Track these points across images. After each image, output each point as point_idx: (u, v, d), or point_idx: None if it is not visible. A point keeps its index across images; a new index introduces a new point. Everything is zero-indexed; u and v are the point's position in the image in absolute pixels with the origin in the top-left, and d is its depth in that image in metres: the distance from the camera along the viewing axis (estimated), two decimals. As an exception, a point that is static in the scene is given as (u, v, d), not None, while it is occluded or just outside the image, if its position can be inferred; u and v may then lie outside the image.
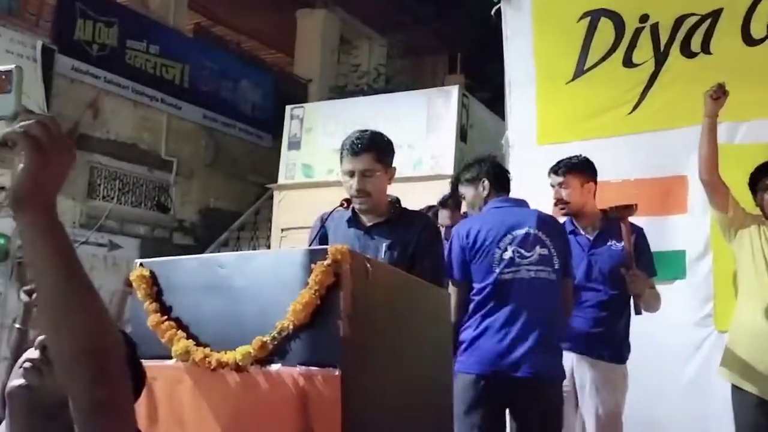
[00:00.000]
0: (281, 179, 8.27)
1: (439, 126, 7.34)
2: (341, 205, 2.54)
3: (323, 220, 2.65)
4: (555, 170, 3.23)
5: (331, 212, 2.62)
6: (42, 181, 0.90)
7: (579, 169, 3.21)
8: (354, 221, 2.60)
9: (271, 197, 8.75)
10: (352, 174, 2.49)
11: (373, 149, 2.48)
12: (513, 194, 4.08)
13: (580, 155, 3.32)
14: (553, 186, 3.25)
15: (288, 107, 8.38)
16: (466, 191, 3.04)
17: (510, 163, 4.54)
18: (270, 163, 9.57)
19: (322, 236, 2.63)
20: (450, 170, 7.08)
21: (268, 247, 8.72)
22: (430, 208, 3.97)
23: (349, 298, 1.68)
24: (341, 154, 2.54)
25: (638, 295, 2.98)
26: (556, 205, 3.24)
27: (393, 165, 2.59)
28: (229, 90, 10.31)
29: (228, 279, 1.84)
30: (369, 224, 2.58)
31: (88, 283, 0.91)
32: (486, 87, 9.49)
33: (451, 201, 3.85)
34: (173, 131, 9.38)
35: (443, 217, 3.83)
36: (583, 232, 3.25)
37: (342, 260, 1.68)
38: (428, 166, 7.23)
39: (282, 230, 8.23)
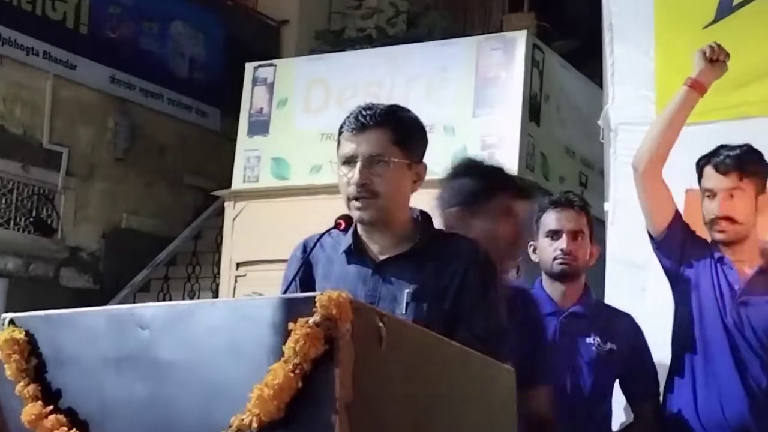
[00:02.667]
0: (237, 182, 8.29)
1: (495, 96, 7.35)
2: (337, 225, 2.55)
3: (307, 251, 2.65)
4: (722, 168, 3.28)
5: (321, 237, 2.63)
6: None
7: (759, 169, 3.32)
8: (357, 252, 2.60)
9: (221, 212, 8.77)
10: (352, 161, 2.51)
11: (390, 124, 2.51)
12: (616, 205, 4.14)
13: (744, 146, 3.34)
14: (709, 191, 3.29)
15: (249, 66, 8.41)
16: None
17: (612, 155, 4.55)
18: (219, 157, 9.59)
19: (306, 276, 2.63)
20: (513, 168, 7.05)
21: (216, 293, 8.72)
22: None
23: (350, 379, 1.68)
24: (340, 133, 2.56)
25: None
26: (713, 224, 3.28)
27: (422, 160, 2.61)
28: (152, 38, 10.39)
29: (153, 346, 1.84)
30: (381, 258, 2.59)
31: None
32: (571, 33, 9.50)
33: None
34: (63, 104, 9.45)
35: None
36: (735, 266, 3.28)
37: (339, 316, 1.68)
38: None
39: (238, 265, 8.24)
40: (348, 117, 2.55)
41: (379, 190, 2.50)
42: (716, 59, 3.33)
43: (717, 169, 3.29)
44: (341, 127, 2.56)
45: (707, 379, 3.25)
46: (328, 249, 2.65)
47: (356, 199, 2.51)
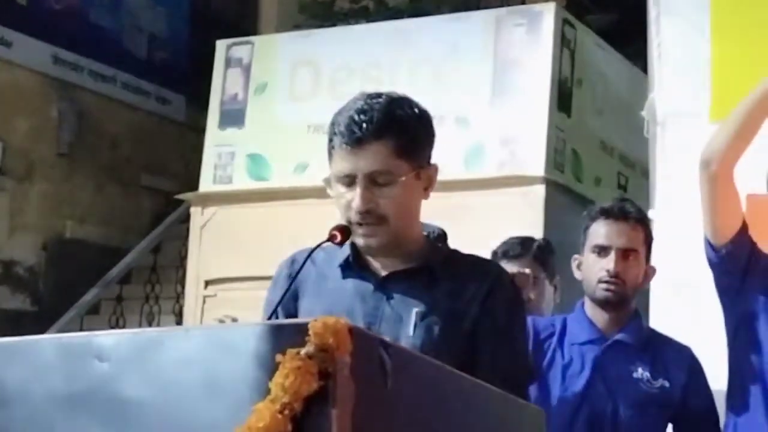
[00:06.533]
0: (206, 184, 8.30)
1: (517, 82, 7.36)
2: (331, 238, 2.56)
3: (293, 267, 2.68)
4: None
5: (312, 251, 2.65)
6: None
7: None
8: (356, 266, 2.63)
9: (187, 219, 8.77)
10: (350, 180, 2.52)
11: (392, 133, 2.52)
12: (664, 213, 4.15)
13: None
14: None
15: (221, 44, 8.43)
16: None
17: (658, 152, 4.56)
18: (184, 153, 9.61)
19: (291, 296, 2.66)
20: (539, 168, 7.11)
21: (179, 316, 8.72)
22: (507, 251, 4.05)
23: (349, 422, 1.69)
24: (330, 141, 2.57)
25: None
26: None
27: (431, 161, 2.63)
28: (104, 10, 10.40)
29: (113, 382, 1.84)
30: (384, 273, 2.61)
31: None
32: (609, 6, 9.52)
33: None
34: (-3, 89, 9.47)
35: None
36: None
37: (336, 346, 1.69)
38: (497, 159, 7.25)
39: (206, 284, 8.24)
40: (338, 124, 2.53)
41: (386, 214, 2.52)
42: None
43: None
44: (333, 130, 2.55)
45: None
46: (319, 263, 2.67)
47: (360, 224, 2.53)
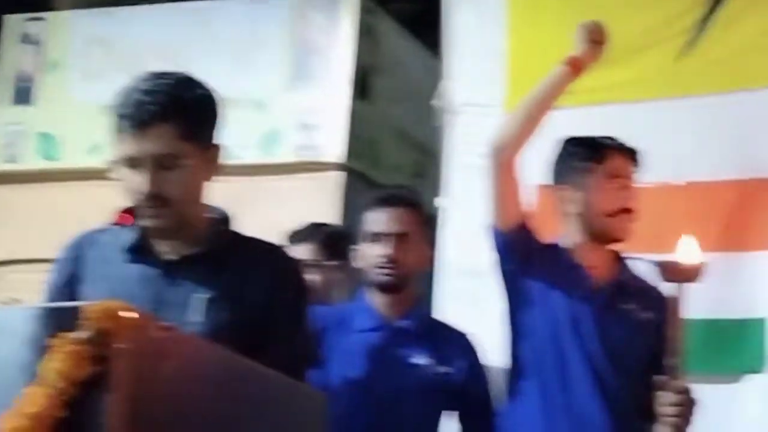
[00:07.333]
0: (-7, 163, 8.10)
1: (317, 67, 7.39)
2: (120, 220, 2.53)
3: (76, 250, 2.65)
4: (630, 154, 3.49)
5: (94, 234, 2.61)
6: None
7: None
8: (142, 250, 2.60)
9: (-29, 200, 8.54)
10: (136, 163, 2.49)
11: (178, 115, 2.50)
12: (452, 201, 4.23)
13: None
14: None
15: (12, 18, 8.23)
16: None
17: (451, 142, 4.64)
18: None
19: (73, 280, 2.63)
20: (337, 154, 7.14)
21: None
22: (293, 236, 4.06)
23: (127, 407, 1.67)
24: (116, 123, 2.54)
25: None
26: (618, 215, 3.43)
27: (215, 142, 2.62)
28: None
29: None
30: (170, 258, 2.59)
31: None
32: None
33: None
34: None
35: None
36: (590, 273, 3.46)
37: (113, 330, 1.67)
38: (294, 144, 7.26)
39: (-8, 266, 8.05)
40: (123, 105, 2.50)
41: (171, 197, 2.50)
42: (599, 41, 3.46)
43: (630, 157, 3.50)
44: (117, 111, 2.51)
45: (563, 401, 3.35)
46: (102, 247, 2.65)
47: (146, 206, 2.51)
